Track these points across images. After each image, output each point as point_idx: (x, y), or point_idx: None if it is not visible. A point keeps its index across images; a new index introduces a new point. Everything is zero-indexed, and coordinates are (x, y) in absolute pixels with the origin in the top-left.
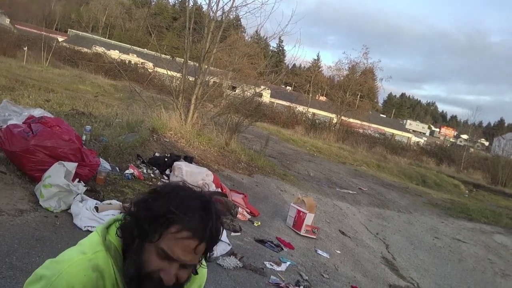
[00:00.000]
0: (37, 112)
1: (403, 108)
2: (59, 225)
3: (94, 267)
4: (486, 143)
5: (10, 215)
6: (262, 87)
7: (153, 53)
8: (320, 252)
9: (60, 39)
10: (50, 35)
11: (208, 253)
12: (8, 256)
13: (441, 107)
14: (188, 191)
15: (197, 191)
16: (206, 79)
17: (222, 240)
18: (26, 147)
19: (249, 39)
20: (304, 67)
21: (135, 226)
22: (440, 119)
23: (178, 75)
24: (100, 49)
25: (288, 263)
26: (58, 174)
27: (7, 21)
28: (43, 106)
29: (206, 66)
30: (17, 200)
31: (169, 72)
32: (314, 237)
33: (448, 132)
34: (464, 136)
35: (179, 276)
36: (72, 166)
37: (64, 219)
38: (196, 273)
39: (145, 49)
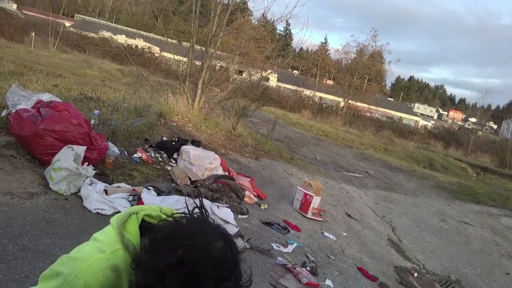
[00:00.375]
0: (46, 97)
1: (411, 91)
2: (69, 207)
3: (112, 267)
4: (495, 126)
5: (21, 198)
6: (269, 71)
7: (159, 37)
8: (326, 234)
9: (67, 24)
10: (57, 20)
11: None
12: (20, 238)
13: (449, 90)
14: (213, 268)
15: (223, 256)
16: (213, 63)
17: (229, 222)
18: (35, 131)
19: (256, 23)
20: (312, 50)
21: None
22: (448, 102)
23: (185, 59)
24: (107, 34)
25: (295, 244)
26: (67, 157)
27: (14, 6)
28: (52, 91)
29: (213, 50)
30: (28, 184)
31: (175, 57)
32: (321, 219)
33: (456, 115)
34: (473, 119)
35: None
36: (81, 149)
37: (74, 201)
38: None
39: (152, 34)
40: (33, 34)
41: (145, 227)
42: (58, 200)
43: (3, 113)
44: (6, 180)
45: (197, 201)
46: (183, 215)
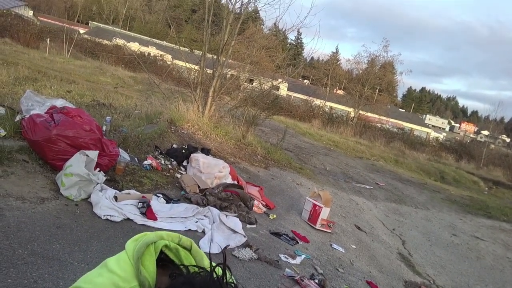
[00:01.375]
0: (59, 103)
1: (422, 102)
2: (79, 213)
3: None
4: (508, 140)
5: (32, 202)
6: (280, 80)
7: (172, 45)
8: (335, 246)
9: (82, 31)
10: (72, 27)
11: None
12: (30, 242)
13: (461, 102)
14: None
15: None
16: (224, 71)
17: (237, 231)
18: (48, 136)
19: (268, 32)
20: (322, 60)
21: None
22: (460, 114)
23: (196, 67)
24: (120, 41)
25: (303, 256)
26: (79, 163)
27: (31, 13)
28: (65, 97)
29: (224, 59)
30: (39, 188)
31: (187, 65)
32: (330, 231)
33: (468, 128)
34: (485, 132)
35: None
36: (94, 154)
37: (84, 207)
38: None
39: (164, 42)
40: (48, 40)
41: (160, 258)
42: (68, 206)
43: (17, 118)
44: (18, 184)
45: (207, 225)
46: (202, 270)
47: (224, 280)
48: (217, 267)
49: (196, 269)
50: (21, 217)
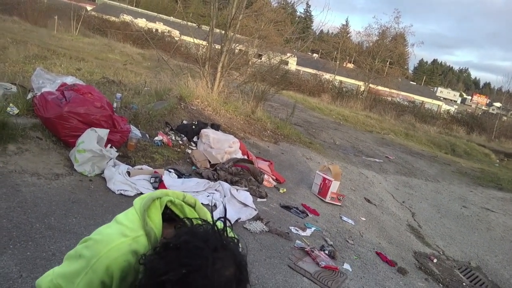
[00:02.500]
0: (70, 80)
1: (434, 75)
2: (94, 188)
3: (133, 252)
4: None
5: (47, 178)
6: (289, 54)
7: (179, 21)
8: (345, 218)
9: (89, 8)
10: (79, 4)
11: None
12: (46, 217)
13: (474, 74)
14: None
15: (229, 281)
16: (232, 46)
17: (248, 205)
18: (60, 113)
19: (276, 5)
20: (332, 33)
21: None
22: (472, 86)
23: (204, 43)
24: (127, 18)
25: (313, 228)
26: (91, 139)
27: None
28: (75, 75)
29: (232, 34)
30: (53, 165)
31: (195, 40)
32: (339, 204)
33: (480, 100)
34: (497, 104)
35: None
36: (104, 132)
37: (98, 183)
38: None
39: (172, 17)
40: (56, 18)
41: (166, 213)
42: (82, 181)
43: (29, 96)
44: (33, 161)
45: (218, 198)
46: (204, 222)
47: (225, 233)
48: (219, 221)
49: (200, 221)
50: (37, 192)
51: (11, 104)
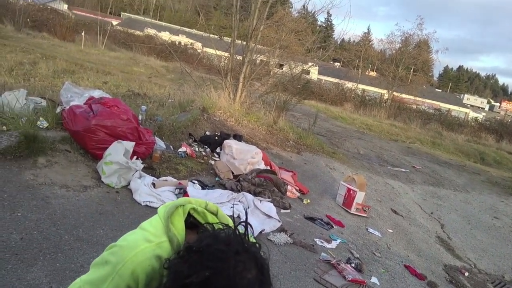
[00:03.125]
0: (97, 93)
1: (460, 81)
2: (120, 200)
3: (157, 257)
4: None
5: (76, 191)
6: (310, 64)
7: (201, 33)
8: (371, 230)
9: (114, 22)
10: (105, 19)
11: None
12: (75, 228)
13: (501, 80)
14: (236, 271)
15: (251, 283)
16: (254, 57)
17: (272, 216)
18: (88, 126)
19: (297, 15)
20: (354, 41)
21: None
22: (500, 92)
23: (226, 54)
24: (151, 31)
25: (339, 240)
26: (117, 152)
27: (65, 6)
28: (102, 88)
29: (254, 44)
30: (81, 177)
31: (217, 52)
32: (365, 215)
33: (509, 107)
34: None
35: None
36: (129, 145)
37: (124, 194)
38: None
39: (194, 30)
40: (83, 33)
41: (189, 221)
42: (109, 193)
43: (58, 110)
44: (62, 173)
45: (242, 210)
46: (225, 227)
47: (246, 237)
48: (240, 226)
49: (221, 226)
50: (66, 204)
51: (41, 118)
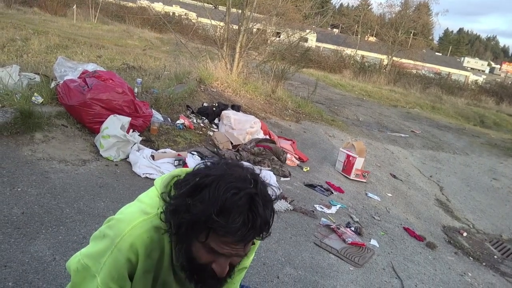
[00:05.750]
0: (91, 67)
1: (460, 44)
2: (120, 173)
3: (155, 228)
4: None
5: (75, 165)
6: (308, 31)
7: (195, 2)
8: (370, 195)
9: None
10: None
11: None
12: (76, 202)
13: (502, 42)
14: (230, 182)
15: (242, 175)
16: (250, 26)
17: (271, 185)
18: (83, 100)
19: None
20: (352, 6)
21: (179, 227)
22: (501, 54)
23: (222, 23)
24: (144, 3)
25: (338, 206)
26: (114, 125)
27: None
28: (96, 62)
29: (249, 12)
30: (80, 151)
31: (212, 22)
32: (365, 180)
33: (510, 69)
34: None
35: (232, 263)
36: (125, 120)
37: (124, 167)
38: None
39: None
40: (74, 7)
41: None
42: (109, 166)
43: (52, 85)
44: (60, 148)
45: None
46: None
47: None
48: None
49: None
50: (66, 178)
51: (35, 94)
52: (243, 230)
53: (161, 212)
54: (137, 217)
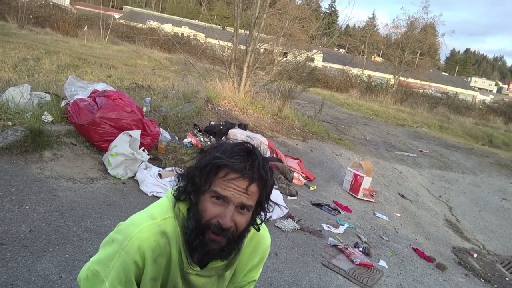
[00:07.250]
0: (101, 87)
1: (467, 64)
2: (127, 191)
3: (162, 233)
4: None
5: (83, 183)
6: (314, 51)
7: (204, 23)
8: (378, 215)
9: (117, 16)
10: (107, 12)
11: (266, 205)
12: (83, 220)
13: (509, 62)
14: (232, 143)
15: (241, 141)
16: (257, 46)
17: (279, 204)
18: (92, 119)
19: (300, 1)
20: (359, 27)
21: (188, 182)
22: (508, 74)
23: (230, 44)
24: (154, 24)
25: (346, 225)
26: (123, 143)
27: (67, 1)
28: (105, 81)
29: (257, 33)
30: (88, 169)
31: (220, 42)
32: (373, 200)
33: None
34: None
35: (237, 221)
36: (136, 133)
37: (131, 185)
38: (258, 229)
39: (197, 20)
40: (85, 28)
41: None
42: (116, 184)
43: (62, 104)
44: (68, 166)
45: None
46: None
47: None
48: None
49: None
50: (73, 196)
51: (45, 112)
52: (244, 166)
53: (176, 189)
54: (144, 221)
